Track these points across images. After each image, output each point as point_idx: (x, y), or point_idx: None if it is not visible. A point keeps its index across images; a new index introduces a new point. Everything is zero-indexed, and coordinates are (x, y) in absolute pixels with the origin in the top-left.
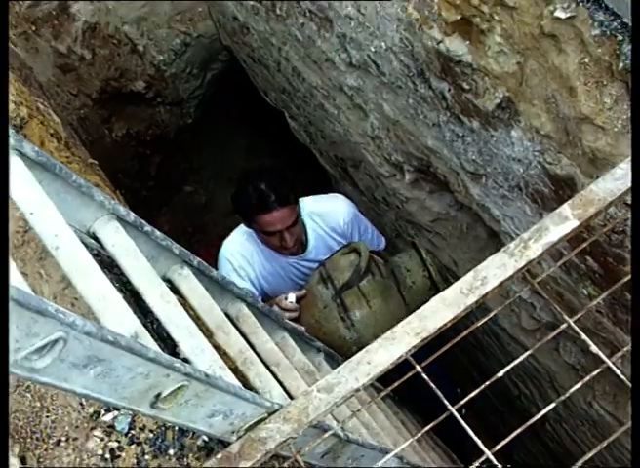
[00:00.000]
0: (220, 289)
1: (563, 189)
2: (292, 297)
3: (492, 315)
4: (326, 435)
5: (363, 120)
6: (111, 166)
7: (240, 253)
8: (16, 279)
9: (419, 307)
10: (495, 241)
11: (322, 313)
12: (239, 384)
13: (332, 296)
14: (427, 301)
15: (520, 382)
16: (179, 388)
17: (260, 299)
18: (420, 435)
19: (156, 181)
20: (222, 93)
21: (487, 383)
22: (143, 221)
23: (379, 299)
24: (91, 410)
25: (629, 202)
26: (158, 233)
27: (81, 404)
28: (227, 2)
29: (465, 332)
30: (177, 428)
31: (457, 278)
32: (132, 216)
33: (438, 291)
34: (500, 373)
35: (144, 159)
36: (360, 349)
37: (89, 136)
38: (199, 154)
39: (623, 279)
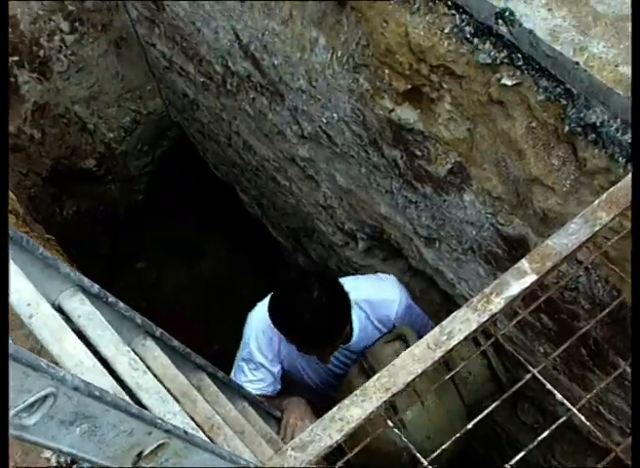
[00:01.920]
0: (182, 358)
1: (516, 249)
2: None
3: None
4: None
5: (315, 190)
6: (62, 244)
7: (266, 333)
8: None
9: (478, 403)
10: (449, 304)
11: None
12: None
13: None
14: (487, 396)
15: (479, 446)
16: (159, 446)
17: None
18: None
19: (107, 259)
20: (173, 169)
21: (447, 444)
22: (107, 293)
23: (432, 394)
24: None
25: (580, 259)
26: (121, 304)
27: None
28: (177, 79)
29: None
30: None
31: None
32: (96, 288)
33: (500, 383)
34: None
35: (95, 237)
36: (411, 457)
37: (39, 214)
38: (150, 231)
39: (579, 332)
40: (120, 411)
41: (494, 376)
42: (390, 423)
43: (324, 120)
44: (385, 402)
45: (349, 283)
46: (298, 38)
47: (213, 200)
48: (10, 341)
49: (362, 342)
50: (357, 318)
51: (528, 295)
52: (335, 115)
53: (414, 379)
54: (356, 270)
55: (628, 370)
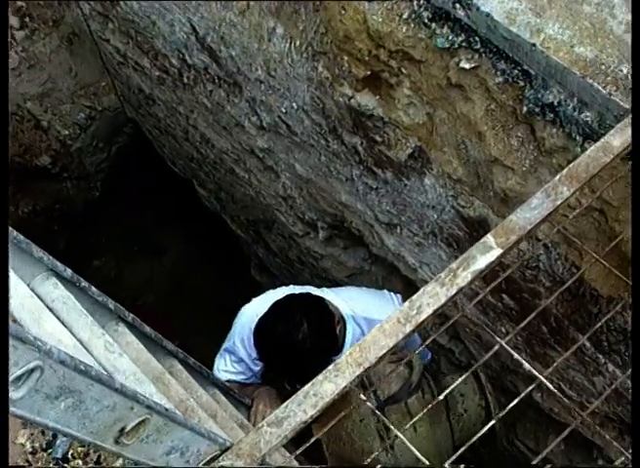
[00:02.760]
0: (153, 344)
1: (477, 231)
2: None
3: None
4: None
5: (275, 181)
6: None
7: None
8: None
9: (465, 441)
10: (411, 290)
11: (357, 427)
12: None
13: (372, 409)
14: (477, 436)
15: None
16: (141, 422)
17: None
18: None
19: (65, 256)
20: (129, 165)
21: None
22: (80, 278)
23: (426, 423)
24: (39, 465)
25: (540, 237)
26: (94, 289)
27: (27, 461)
28: (132, 74)
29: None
30: None
31: None
32: (69, 272)
33: (492, 427)
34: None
35: (52, 235)
36: None
37: None
38: (107, 227)
39: (540, 307)
40: (104, 386)
41: (488, 418)
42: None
43: (283, 110)
44: (358, 376)
45: (353, 294)
46: (255, 28)
47: (170, 195)
48: (17, 301)
49: None
50: (352, 332)
51: (489, 276)
52: (294, 104)
53: (385, 354)
54: (317, 260)
55: (587, 344)
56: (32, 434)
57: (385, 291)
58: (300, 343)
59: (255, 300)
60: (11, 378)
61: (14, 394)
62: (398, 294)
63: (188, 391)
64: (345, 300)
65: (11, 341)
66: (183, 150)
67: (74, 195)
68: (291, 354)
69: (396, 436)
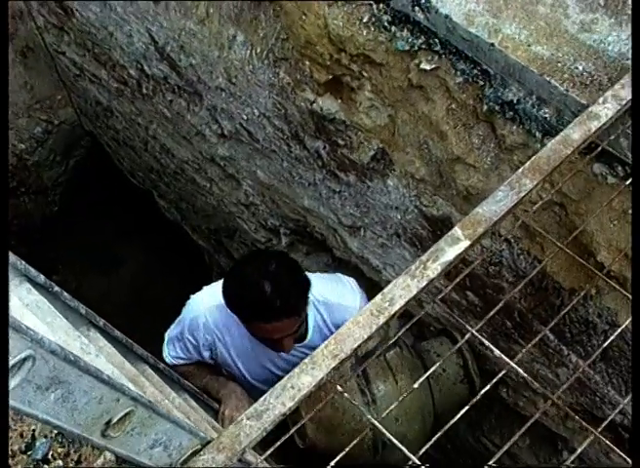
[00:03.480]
0: (125, 349)
1: (440, 229)
2: None
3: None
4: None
5: (236, 189)
6: None
7: (211, 324)
8: None
9: (445, 401)
10: (376, 292)
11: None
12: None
13: (351, 365)
14: (456, 400)
15: None
16: (126, 414)
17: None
18: None
19: None
20: (87, 178)
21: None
22: (52, 283)
23: (407, 376)
24: None
25: (502, 233)
26: (66, 294)
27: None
28: (89, 87)
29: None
30: None
31: None
32: (42, 278)
33: (472, 385)
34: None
35: (10, 250)
36: (374, 440)
37: None
38: (66, 241)
39: (504, 299)
40: (92, 377)
41: (467, 377)
42: (352, 394)
43: (244, 117)
44: (334, 368)
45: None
46: (215, 36)
47: (129, 207)
48: None
49: (313, 344)
50: (313, 317)
51: (453, 273)
52: (255, 111)
53: (359, 345)
54: None
55: (551, 336)
56: (10, 437)
57: (339, 274)
58: (275, 272)
59: (204, 288)
60: None
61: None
62: (351, 278)
63: (162, 394)
64: None
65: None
66: (143, 161)
67: (32, 210)
68: (267, 288)
69: (378, 389)
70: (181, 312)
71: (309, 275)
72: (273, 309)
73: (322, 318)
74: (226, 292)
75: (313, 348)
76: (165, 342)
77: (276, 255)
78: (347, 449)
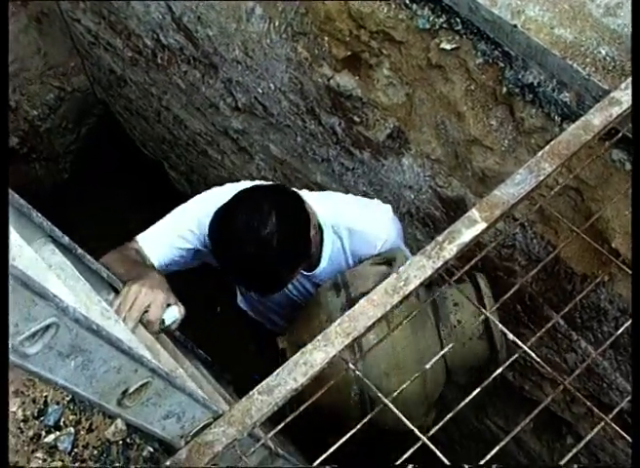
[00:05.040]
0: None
1: (454, 210)
2: (170, 320)
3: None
4: (258, 445)
5: (248, 163)
6: None
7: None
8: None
9: (457, 357)
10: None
11: (322, 328)
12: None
13: (341, 306)
14: (472, 358)
15: None
16: (143, 385)
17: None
18: None
19: None
20: (98, 146)
21: (376, 410)
22: (76, 245)
23: (406, 326)
24: (31, 433)
25: (517, 217)
26: (89, 257)
27: (19, 428)
28: (103, 55)
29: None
30: (120, 442)
31: None
32: (66, 239)
33: (492, 344)
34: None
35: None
36: (361, 393)
37: None
38: (77, 210)
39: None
40: (112, 347)
41: (488, 335)
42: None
43: (260, 90)
44: (347, 346)
45: (338, 200)
46: (233, 9)
47: (140, 177)
48: (23, 263)
49: (327, 275)
50: (331, 245)
51: (465, 254)
52: (271, 85)
53: (373, 324)
54: None
55: (561, 321)
56: (24, 402)
57: (376, 199)
58: (265, 239)
59: (228, 185)
60: (27, 333)
61: (29, 349)
62: (388, 205)
63: (176, 362)
64: (328, 206)
65: (32, 296)
66: (155, 132)
67: (42, 176)
68: (251, 252)
69: (367, 340)
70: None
71: (342, 195)
72: (253, 287)
73: (341, 245)
74: (210, 236)
75: (322, 278)
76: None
77: (276, 212)
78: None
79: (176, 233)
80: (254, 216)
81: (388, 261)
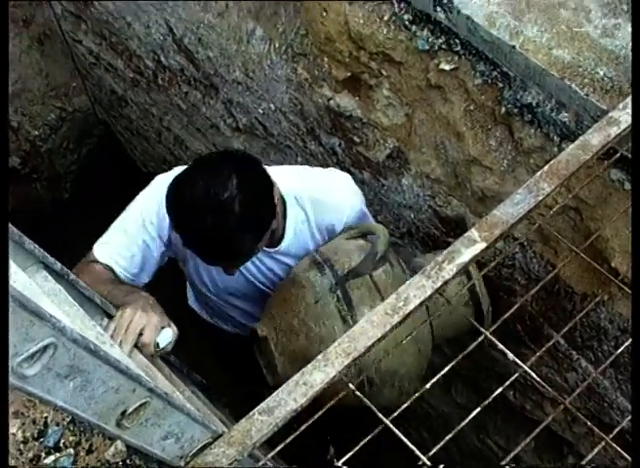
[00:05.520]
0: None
1: (454, 230)
2: (165, 342)
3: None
4: (258, 465)
5: None
6: None
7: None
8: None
9: (446, 328)
10: None
11: (312, 310)
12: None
13: (330, 286)
14: (460, 325)
15: (413, 430)
16: (142, 405)
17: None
18: None
19: None
20: (99, 166)
21: (378, 429)
22: (69, 271)
23: None
24: (30, 455)
25: (516, 236)
26: (82, 283)
27: (19, 449)
28: (104, 76)
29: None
30: (120, 463)
31: None
32: (59, 266)
33: (479, 308)
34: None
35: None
36: (359, 374)
37: None
38: (77, 230)
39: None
40: (110, 367)
41: (473, 299)
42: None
43: (260, 111)
44: (347, 366)
45: (296, 173)
46: (234, 30)
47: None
48: (18, 288)
49: (293, 249)
50: (294, 218)
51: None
52: (272, 106)
53: (373, 344)
54: None
55: (561, 340)
56: (24, 424)
57: (332, 168)
58: (226, 203)
59: (176, 169)
60: (26, 354)
61: (27, 370)
62: (346, 174)
63: (173, 386)
64: (289, 178)
65: (29, 317)
66: (156, 152)
67: (44, 196)
68: (213, 219)
69: (362, 316)
70: (141, 194)
71: (302, 167)
72: (212, 256)
73: (306, 218)
74: (167, 202)
75: (288, 255)
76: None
77: (237, 176)
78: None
79: (133, 234)
80: (213, 181)
81: (364, 234)
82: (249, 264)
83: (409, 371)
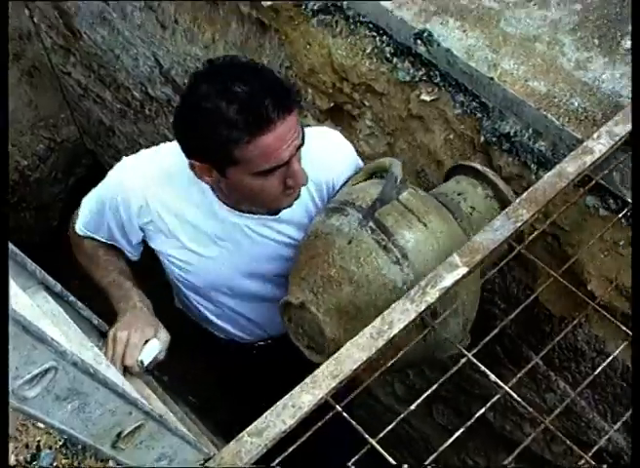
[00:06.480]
0: None
1: None
2: (149, 357)
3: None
4: None
5: None
6: None
7: (157, 205)
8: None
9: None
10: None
11: (346, 252)
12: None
13: (359, 221)
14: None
15: (396, 451)
16: (137, 427)
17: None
18: None
19: None
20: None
21: (362, 452)
22: (68, 292)
23: (435, 217)
24: None
25: (496, 261)
26: (80, 304)
27: None
28: (92, 107)
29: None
30: None
31: None
32: (59, 287)
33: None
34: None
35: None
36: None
37: None
38: (64, 257)
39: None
40: (108, 389)
41: (503, 203)
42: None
43: None
44: (334, 388)
45: None
46: None
47: None
48: (20, 310)
49: (296, 216)
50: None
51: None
52: None
53: (359, 367)
54: None
55: (540, 362)
56: (16, 448)
57: (325, 127)
58: (251, 73)
59: (143, 154)
60: (27, 377)
61: (28, 393)
62: (336, 131)
63: (166, 406)
64: None
65: (32, 341)
66: None
67: (32, 225)
68: (243, 85)
69: (405, 239)
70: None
71: None
72: (269, 106)
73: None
74: (192, 130)
75: (292, 223)
76: (81, 207)
77: (240, 61)
78: None
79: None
80: (226, 79)
81: (371, 175)
82: (244, 235)
83: (468, 294)
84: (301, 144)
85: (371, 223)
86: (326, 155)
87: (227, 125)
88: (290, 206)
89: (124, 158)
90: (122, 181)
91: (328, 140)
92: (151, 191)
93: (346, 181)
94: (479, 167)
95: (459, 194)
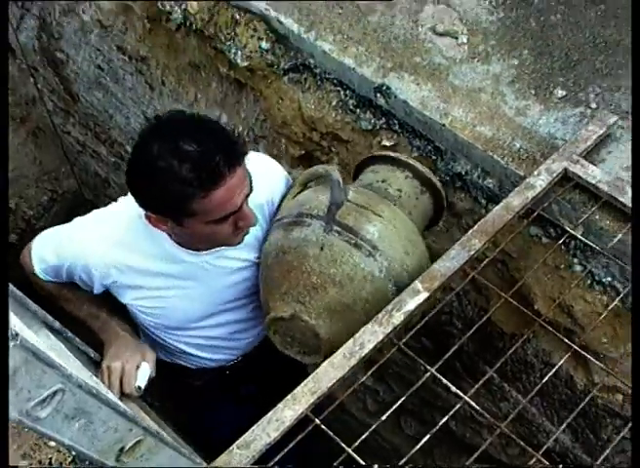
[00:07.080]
0: None
1: None
2: (145, 380)
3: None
4: None
5: None
6: None
7: (122, 269)
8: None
9: (420, 223)
10: None
11: (322, 258)
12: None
13: (324, 228)
14: (427, 209)
15: (369, 460)
16: (137, 442)
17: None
18: None
19: None
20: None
21: (341, 458)
22: (66, 329)
23: (383, 206)
24: None
25: (453, 287)
26: (78, 339)
27: None
28: (90, 161)
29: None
30: None
31: None
32: (57, 324)
33: (435, 189)
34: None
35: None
36: (399, 290)
37: None
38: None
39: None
40: (110, 408)
41: (425, 184)
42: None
43: None
44: (313, 404)
45: None
46: None
47: None
48: (32, 340)
49: (251, 240)
50: None
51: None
52: None
53: (334, 384)
54: None
55: (494, 374)
56: (31, 464)
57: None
58: (203, 133)
59: (93, 217)
60: (39, 399)
61: (40, 413)
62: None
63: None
64: None
65: (42, 366)
66: None
67: None
68: (193, 145)
69: (370, 233)
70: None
71: None
72: (220, 163)
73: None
74: (146, 188)
75: (244, 247)
76: (34, 250)
77: (190, 116)
78: None
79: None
80: (165, 140)
81: (306, 184)
82: (204, 270)
83: (427, 261)
84: (250, 191)
85: (335, 227)
86: (261, 177)
87: (181, 182)
88: (240, 242)
89: (76, 219)
90: (82, 249)
91: (260, 164)
92: (110, 256)
93: (284, 197)
94: (392, 154)
95: (382, 181)
